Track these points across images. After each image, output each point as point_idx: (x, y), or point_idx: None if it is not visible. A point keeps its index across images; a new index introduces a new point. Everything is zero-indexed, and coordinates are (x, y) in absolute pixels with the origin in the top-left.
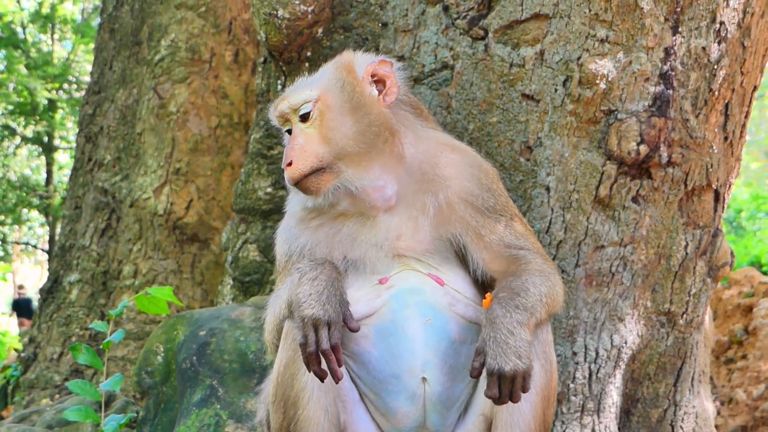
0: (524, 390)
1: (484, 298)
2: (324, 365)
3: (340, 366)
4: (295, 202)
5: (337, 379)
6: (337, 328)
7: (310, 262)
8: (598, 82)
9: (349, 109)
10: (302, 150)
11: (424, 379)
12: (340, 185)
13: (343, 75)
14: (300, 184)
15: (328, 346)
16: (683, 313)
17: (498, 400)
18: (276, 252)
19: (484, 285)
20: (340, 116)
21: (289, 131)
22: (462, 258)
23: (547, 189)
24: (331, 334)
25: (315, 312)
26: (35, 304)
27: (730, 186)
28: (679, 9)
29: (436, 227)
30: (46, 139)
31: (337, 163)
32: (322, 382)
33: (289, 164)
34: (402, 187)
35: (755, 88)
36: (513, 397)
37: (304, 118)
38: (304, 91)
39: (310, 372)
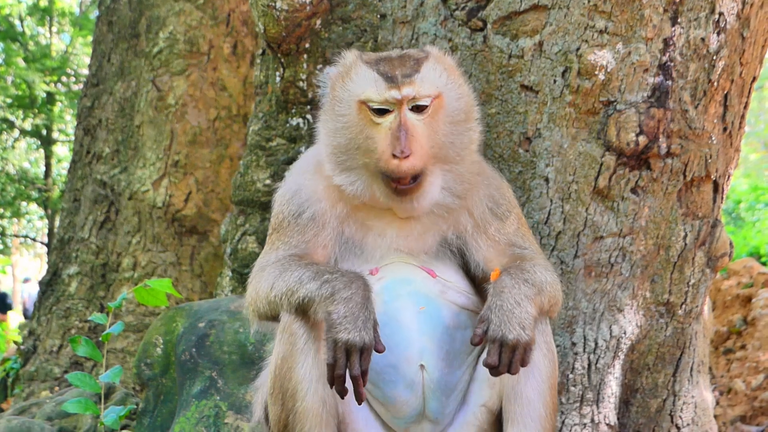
0: (524, 363)
1: (493, 271)
2: (348, 384)
3: (364, 385)
4: (314, 167)
5: (360, 400)
6: (369, 354)
7: (342, 277)
8: (597, 73)
9: (462, 119)
10: (420, 145)
11: (422, 366)
12: (417, 194)
13: (459, 80)
14: (403, 184)
15: (359, 372)
16: (682, 304)
17: (496, 370)
18: (278, 207)
19: (480, 287)
20: (451, 121)
21: (380, 110)
22: (457, 254)
23: (546, 180)
24: (363, 360)
25: (351, 337)
26: (10, 299)
27: (729, 177)
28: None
29: (453, 233)
30: (44, 132)
31: (430, 168)
32: (342, 398)
33: (407, 156)
34: (452, 206)
35: (754, 78)
36: (512, 368)
37: (419, 110)
38: (431, 84)
39: (332, 389)
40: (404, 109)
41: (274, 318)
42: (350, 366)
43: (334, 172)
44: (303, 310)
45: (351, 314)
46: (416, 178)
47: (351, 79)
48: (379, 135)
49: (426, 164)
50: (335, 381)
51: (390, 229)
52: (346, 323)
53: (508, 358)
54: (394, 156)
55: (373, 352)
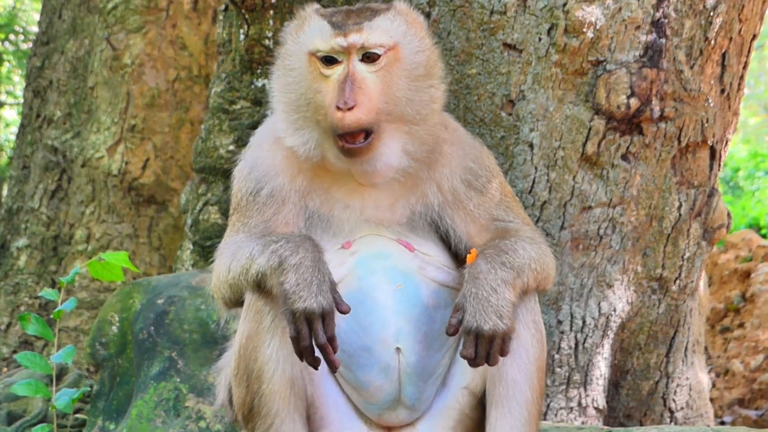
0: (503, 353)
1: (469, 253)
2: (317, 353)
3: (335, 352)
4: (273, 136)
5: (335, 368)
6: (331, 318)
7: (288, 243)
8: (585, 30)
9: (422, 74)
10: (368, 97)
11: (398, 349)
12: (372, 157)
13: (421, 33)
14: (351, 136)
15: (325, 340)
16: (676, 279)
17: (473, 362)
18: (236, 184)
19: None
20: (408, 76)
21: (328, 60)
22: (439, 228)
23: (531, 146)
24: (327, 326)
25: (308, 305)
26: None
27: (726, 142)
28: None
29: (427, 209)
30: None
31: (384, 126)
32: (316, 370)
33: (351, 108)
34: (409, 170)
35: (754, 36)
36: (490, 360)
37: (370, 59)
38: (384, 33)
39: (302, 362)
40: (353, 59)
41: (241, 302)
42: (314, 335)
43: (287, 133)
44: (261, 287)
45: (303, 281)
46: (368, 136)
47: (303, 32)
48: (327, 87)
49: (376, 119)
50: (303, 353)
51: (354, 199)
52: (300, 291)
53: (485, 349)
54: (339, 108)
55: (347, 333)
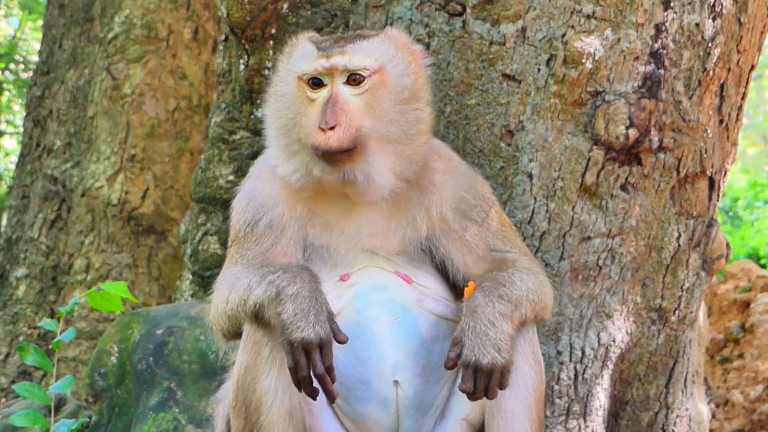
0: (502, 386)
1: (466, 286)
2: (316, 384)
3: (333, 382)
4: (270, 166)
5: (333, 399)
6: (329, 348)
7: (285, 273)
8: (584, 61)
9: (407, 97)
10: (349, 118)
11: (396, 382)
12: (360, 169)
13: (409, 58)
14: (332, 155)
15: (323, 370)
16: (675, 309)
17: (472, 395)
18: (234, 216)
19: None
20: (394, 98)
21: (315, 82)
22: (435, 258)
23: (530, 176)
24: (324, 356)
25: (306, 335)
26: None
27: (725, 173)
28: None
29: (417, 234)
30: None
31: (369, 144)
32: (315, 400)
33: (332, 128)
34: (397, 190)
35: (752, 67)
36: (489, 393)
37: (355, 82)
38: (368, 56)
39: (301, 392)
40: (336, 81)
41: (240, 334)
42: (312, 365)
43: (279, 161)
44: (259, 318)
45: (300, 311)
46: (350, 150)
47: (293, 57)
48: (313, 110)
49: (359, 140)
50: (301, 384)
51: (349, 223)
52: (297, 321)
53: (484, 383)
54: (321, 129)
55: (345, 366)
